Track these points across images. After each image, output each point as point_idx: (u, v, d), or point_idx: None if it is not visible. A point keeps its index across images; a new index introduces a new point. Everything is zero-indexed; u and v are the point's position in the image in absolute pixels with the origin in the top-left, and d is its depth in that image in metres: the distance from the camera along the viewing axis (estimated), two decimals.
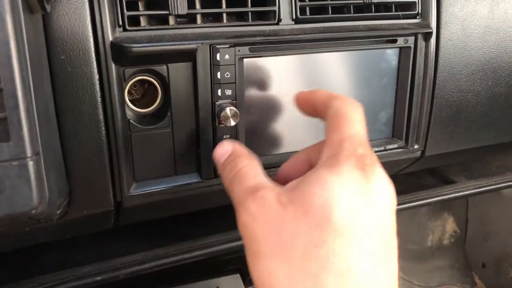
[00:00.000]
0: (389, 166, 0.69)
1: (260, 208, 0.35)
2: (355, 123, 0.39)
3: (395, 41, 0.58)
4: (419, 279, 1.31)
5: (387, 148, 0.63)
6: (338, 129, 0.38)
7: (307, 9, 0.55)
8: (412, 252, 1.34)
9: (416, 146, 0.65)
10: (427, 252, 1.35)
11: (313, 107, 0.44)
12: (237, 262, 0.96)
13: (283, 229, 0.34)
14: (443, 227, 1.35)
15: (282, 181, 0.41)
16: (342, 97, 0.41)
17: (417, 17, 0.60)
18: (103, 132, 0.48)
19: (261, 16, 0.54)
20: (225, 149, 0.43)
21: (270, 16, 0.53)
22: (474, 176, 0.92)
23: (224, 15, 0.52)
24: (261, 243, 0.34)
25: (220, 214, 0.75)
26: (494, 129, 0.72)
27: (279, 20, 0.54)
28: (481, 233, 1.31)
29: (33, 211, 0.33)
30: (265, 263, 0.34)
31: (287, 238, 0.34)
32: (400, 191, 0.87)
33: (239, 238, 0.72)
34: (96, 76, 0.46)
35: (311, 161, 0.43)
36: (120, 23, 0.47)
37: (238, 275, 0.88)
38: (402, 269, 1.31)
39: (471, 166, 0.94)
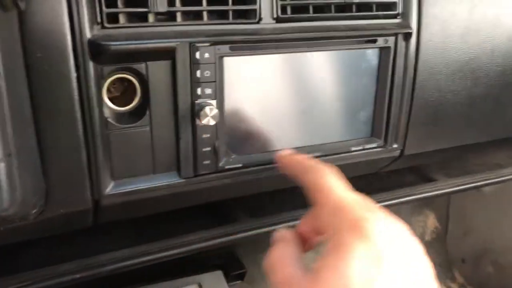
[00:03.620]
0: (368, 165, 0.69)
1: None
2: (334, 189, 0.40)
3: (375, 41, 0.59)
4: None
5: (366, 147, 0.64)
6: (324, 203, 0.40)
7: (288, 8, 0.55)
8: None
9: (395, 146, 0.65)
10: None
11: (292, 174, 0.47)
12: (219, 258, 0.96)
13: None
14: (424, 224, 1.37)
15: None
16: (309, 169, 0.44)
17: (398, 17, 0.60)
18: (81, 130, 0.48)
19: (242, 15, 0.54)
20: (276, 237, 0.45)
21: (251, 15, 0.53)
22: (454, 174, 0.93)
23: (205, 13, 0.51)
24: None
25: (202, 210, 0.75)
26: (473, 129, 0.73)
27: (260, 19, 0.54)
28: (462, 229, 1.33)
29: (4, 213, 0.32)
30: None
31: None
32: (381, 188, 0.88)
33: (222, 235, 0.72)
34: (74, 74, 0.46)
35: (311, 228, 0.45)
36: (99, 20, 0.46)
37: (220, 272, 0.88)
38: None
39: (451, 165, 0.96)
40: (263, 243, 1.21)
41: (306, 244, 0.44)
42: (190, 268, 0.90)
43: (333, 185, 0.41)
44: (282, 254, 0.42)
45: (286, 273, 0.40)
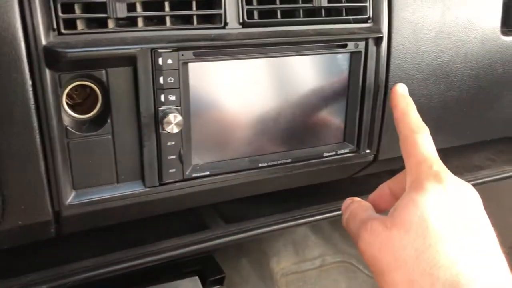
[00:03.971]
0: (341, 170, 0.69)
1: (372, 235, 0.45)
2: (423, 146, 0.48)
3: (345, 46, 0.58)
4: None
5: (338, 152, 0.63)
6: (412, 154, 0.48)
7: (255, 12, 0.54)
8: None
9: (368, 151, 0.64)
10: None
11: (394, 113, 0.55)
12: (197, 263, 0.95)
13: (393, 246, 0.43)
14: None
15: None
16: (408, 121, 0.52)
17: (368, 21, 0.59)
18: (38, 140, 0.46)
19: (207, 20, 0.52)
20: (346, 202, 0.53)
21: (216, 20, 0.52)
22: None
23: (168, 18, 0.50)
24: (380, 262, 0.44)
25: (173, 217, 0.74)
26: (448, 133, 0.72)
27: (226, 23, 0.52)
28: None
29: None
30: (388, 277, 0.43)
31: (399, 253, 0.43)
32: (359, 192, 0.87)
33: (194, 243, 0.71)
34: (29, 82, 0.44)
35: (392, 190, 0.53)
36: (55, 26, 0.45)
37: (196, 278, 0.87)
38: (366, 266, 1.32)
39: None
40: (243, 246, 1.20)
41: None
42: (167, 274, 0.88)
43: (422, 142, 0.49)
44: (356, 207, 0.51)
45: (363, 217, 0.48)
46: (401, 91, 0.56)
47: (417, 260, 0.42)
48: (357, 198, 0.53)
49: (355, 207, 0.51)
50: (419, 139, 0.49)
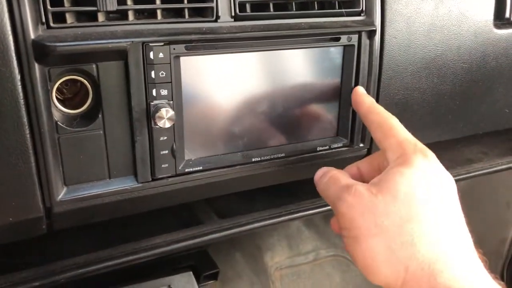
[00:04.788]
0: (335, 164, 0.68)
1: (356, 198, 0.45)
2: (401, 128, 0.51)
3: (338, 39, 0.57)
4: None
5: (331, 147, 0.63)
6: (391, 136, 0.50)
7: (247, 5, 0.53)
8: None
9: (361, 145, 0.64)
10: None
11: (356, 108, 0.58)
12: (189, 258, 0.94)
13: (377, 212, 0.44)
14: None
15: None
16: (378, 111, 0.53)
17: (361, 14, 0.59)
18: (28, 136, 0.45)
19: (199, 13, 0.52)
20: (321, 171, 0.55)
21: (208, 13, 0.52)
22: None
23: (159, 11, 0.49)
24: (360, 227, 0.44)
25: (166, 212, 0.73)
26: (440, 127, 0.72)
27: (217, 17, 0.52)
28: None
29: None
30: (366, 243, 0.44)
31: (382, 219, 0.43)
32: None
33: (187, 238, 0.71)
34: (18, 77, 0.44)
35: (361, 171, 0.55)
36: (43, 20, 0.44)
37: (190, 273, 0.87)
38: None
39: None
40: (237, 241, 1.20)
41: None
42: (161, 270, 0.88)
43: (399, 126, 0.51)
44: (337, 173, 0.51)
45: (347, 181, 0.49)
46: (362, 91, 0.58)
47: (400, 228, 0.43)
48: (333, 168, 0.54)
49: (336, 172, 0.52)
50: (395, 123, 0.51)
